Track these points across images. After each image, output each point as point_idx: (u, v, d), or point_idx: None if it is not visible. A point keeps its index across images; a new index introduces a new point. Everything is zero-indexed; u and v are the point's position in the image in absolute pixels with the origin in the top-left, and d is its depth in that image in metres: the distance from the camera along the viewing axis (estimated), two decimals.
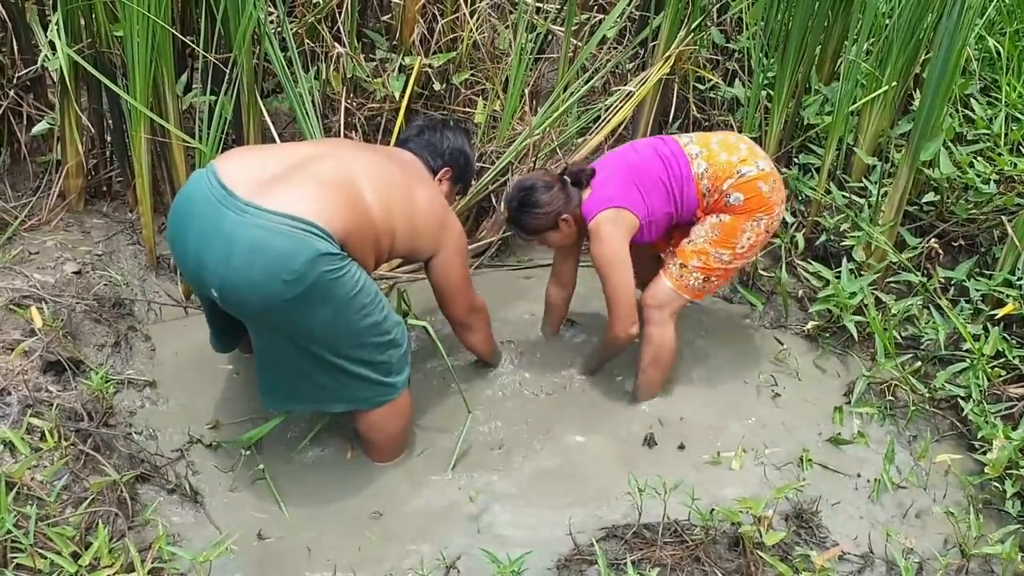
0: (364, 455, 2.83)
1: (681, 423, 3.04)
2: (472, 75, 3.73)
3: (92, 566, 2.18)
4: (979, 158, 3.46)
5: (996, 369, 2.98)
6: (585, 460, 2.90)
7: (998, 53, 3.74)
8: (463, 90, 3.74)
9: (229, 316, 2.56)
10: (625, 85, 3.74)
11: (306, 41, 3.56)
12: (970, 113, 3.65)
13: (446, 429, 2.94)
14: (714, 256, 2.91)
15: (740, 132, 3.73)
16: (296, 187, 2.36)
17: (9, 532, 2.13)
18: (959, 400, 2.97)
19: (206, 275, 2.37)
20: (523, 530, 2.65)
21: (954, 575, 2.53)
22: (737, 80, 3.92)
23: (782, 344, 3.35)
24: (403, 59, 3.61)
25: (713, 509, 2.56)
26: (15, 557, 2.13)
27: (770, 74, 3.64)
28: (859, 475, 2.88)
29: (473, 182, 3.59)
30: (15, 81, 3.50)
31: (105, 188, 3.72)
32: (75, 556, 2.19)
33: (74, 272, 3.26)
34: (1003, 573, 2.50)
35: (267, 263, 2.27)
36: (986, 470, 2.72)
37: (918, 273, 3.30)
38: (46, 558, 2.14)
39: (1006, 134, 3.53)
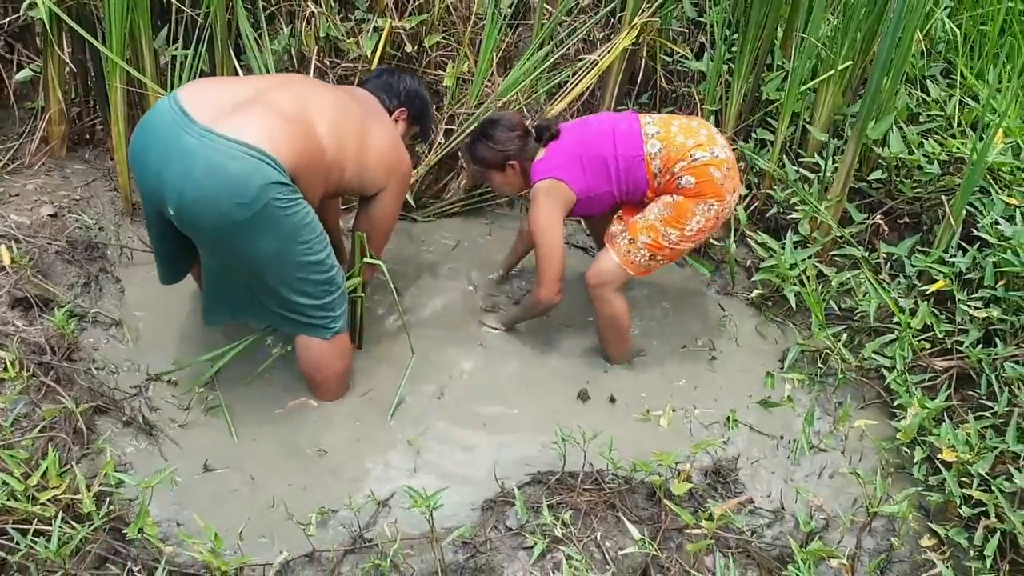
0: (309, 394, 3.00)
1: (616, 381, 3.19)
2: (444, 38, 3.83)
3: (41, 487, 2.34)
4: (929, 138, 3.55)
5: (922, 342, 3.10)
6: (521, 412, 3.05)
7: (955, 36, 3.81)
8: (434, 52, 3.83)
9: (177, 245, 2.75)
10: (593, 53, 3.84)
11: (283, 0, 3.67)
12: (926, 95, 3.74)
13: (392, 374, 3.10)
14: (662, 234, 2.99)
15: (702, 104, 3.85)
16: (252, 117, 2.50)
17: None
18: (884, 370, 3.10)
19: (164, 194, 2.50)
20: (455, 473, 2.81)
21: (859, 532, 2.67)
22: (706, 53, 4.00)
23: (724, 311, 3.48)
24: (377, 20, 3.72)
25: (634, 462, 2.71)
26: None
27: (733, 48, 3.73)
28: (782, 437, 3.02)
29: (441, 140, 3.75)
30: (4, 28, 3.64)
31: (88, 135, 3.86)
32: (26, 477, 2.35)
33: (50, 215, 3.42)
34: (899, 529, 2.64)
35: (221, 185, 2.42)
36: (898, 436, 2.85)
37: (860, 248, 3.41)
38: None
39: (960, 116, 3.62)
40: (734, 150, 3.70)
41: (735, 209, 3.58)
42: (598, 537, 2.55)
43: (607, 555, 2.51)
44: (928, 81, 3.79)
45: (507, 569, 2.47)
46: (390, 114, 3.04)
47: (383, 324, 3.32)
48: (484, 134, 3.13)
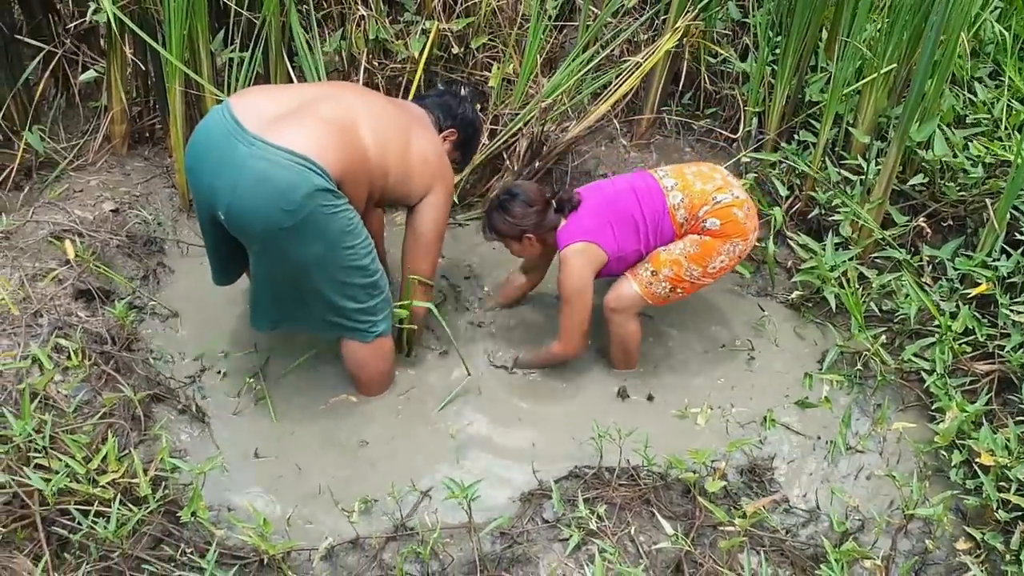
0: (350, 391, 3.10)
1: (655, 380, 3.24)
2: (490, 40, 3.90)
3: (101, 470, 2.46)
4: (974, 141, 3.53)
5: (963, 346, 3.10)
6: (561, 409, 3.12)
7: (1004, 37, 3.78)
8: (480, 54, 3.91)
9: (229, 248, 2.84)
10: (637, 55, 3.88)
11: (334, 4, 3.78)
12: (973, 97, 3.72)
13: (436, 375, 3.20)
14: (685, 269, 3.02)
15: (745, 105, 3.88)
16: (299, 125, 2.58)
17: (30, 436, 2.42)
18: (924, 373, 3.10)
19: (216, 199, 2.60)
20: (496, 467, 2.89)
21: (894, 534, 2.69)
22: (750, 55, 4.03)
23: (763, 311, 3.51)
24: (425, 23, 3.81)
25: (670, 459, 2.76)
26: (35, 457, 2.43)
27: (777, 50, 3.75)
28: (819, 437, 3.05)
29: (485, 140, 3.82)
30: (71, 31, 3.80)
31: (148, 134, 4.01)
32: (87, 460, 2.48)
33: (112, 210, 3.57)
34: (934, 532, 2.66)
35: (269, 192, 2.51)
36: (936, 439, 2.86)
37: (902, 250, 3.42)
38: (61, 460, 2.43)
39: (1007, 118, 3.59)
40: (776, 163, 3.75)
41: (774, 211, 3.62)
42: (632, 531, 2.61)
43: (640, 549, 2.57)
44: (976, 83, 3.77)
45: (543, 560, 2.55)
46: (440, 131, 3.06)
47: (427, 327, 3.39)
48: (502, 206, 3.10)
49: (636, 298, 3.09)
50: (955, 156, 3.49)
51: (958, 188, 3.49)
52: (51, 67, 3.80)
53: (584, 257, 3.01)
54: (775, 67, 3.75)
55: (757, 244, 3.66)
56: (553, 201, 3.11)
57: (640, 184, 3.07)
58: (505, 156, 3.92)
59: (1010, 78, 3.69)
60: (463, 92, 3.26)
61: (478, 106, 3.28)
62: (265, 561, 2.46)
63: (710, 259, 3.00)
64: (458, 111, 3.12)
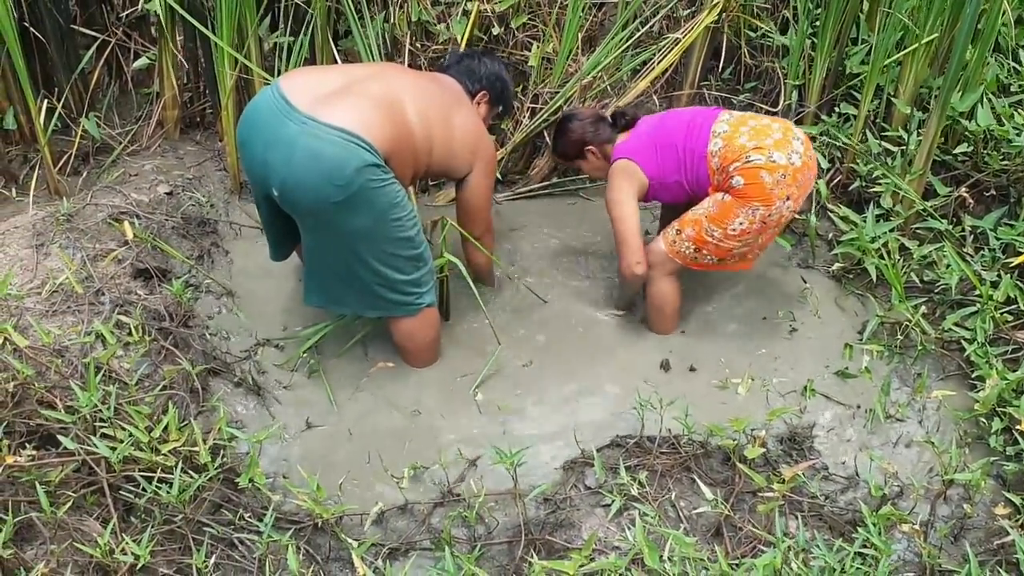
0: (403, 362, 3.19)
1: (697, 351, 3.29)
2: (529, 19, 3.95)
3: (162, 439, 2.58)
4: (1019, 110, 3.51)
5: (1004, 315, 3.11)
6: (605, 380, 3.19)
7: None
8: (519, 34, 3.96)
9: (284, 224, 2.96)
10: (676, 31, 3.90)
11: None
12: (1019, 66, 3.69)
13: (481, 352, 3.27)
14: (705, 230, 3.06)
15: (785, 78, 3.88)
16: (348, 103, 2.68)
17: (96, 407, 2.55)
18: (964, 342, 3.11)
19: (270, 176, 2.72)
20: (541, 437, 2.97)
21: (933, 499, 2.72)
22: (790, 28, 4.02)
23: (805, 283, 3.53)
24: (466, 4, 3.87)
25: (710, 427, 2.82)
26: (101, 427, 2.56)
27: (817, 23, 3.75)
28: (859, 406, 3.08)
29: (526, 120, 3.89)
30: (123, 19, 3.93)
31: (199, 119, 4.13)
32: (149, 430, 2.60)
33: (166, 193, 3.69)
34: (973, 497, 2.68)
35: (321, 168, 2.61)
36: (976, 406, 2.88)
37: (943, 221, 3.42)
38: (125, 430, 2.55)
39: None
40: (817, 136, 3.74)
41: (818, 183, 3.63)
42: (673, 497, 2.68)
43: (681, 513, 2.64)
44: (1021, 51, 3.74)
45: (585, 524, 2.63)
46: (473, 97, 3.17)
47: (471, 299, 3.47)
48: (559, 129, 3.37)
49: (663, 255, 3.16)
50: (1000, 124, 3.47)
51: (1001, 158, 3.48)
52: (104, 56, 3.94)
53: (625, 174, 3.16)
54: (815, 40, 3.75)
55: (798, 216, 3.69)
56: (608, 116, 3.31)
57: (697, 120, 3.12)
58: (546, 134, 3.98)
59: None
60: (479, 51, 3.37)
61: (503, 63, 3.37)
62: (319, 524, 2.57)
63: (728, 220, 3.02)
64: (480, 71, 3.21)
